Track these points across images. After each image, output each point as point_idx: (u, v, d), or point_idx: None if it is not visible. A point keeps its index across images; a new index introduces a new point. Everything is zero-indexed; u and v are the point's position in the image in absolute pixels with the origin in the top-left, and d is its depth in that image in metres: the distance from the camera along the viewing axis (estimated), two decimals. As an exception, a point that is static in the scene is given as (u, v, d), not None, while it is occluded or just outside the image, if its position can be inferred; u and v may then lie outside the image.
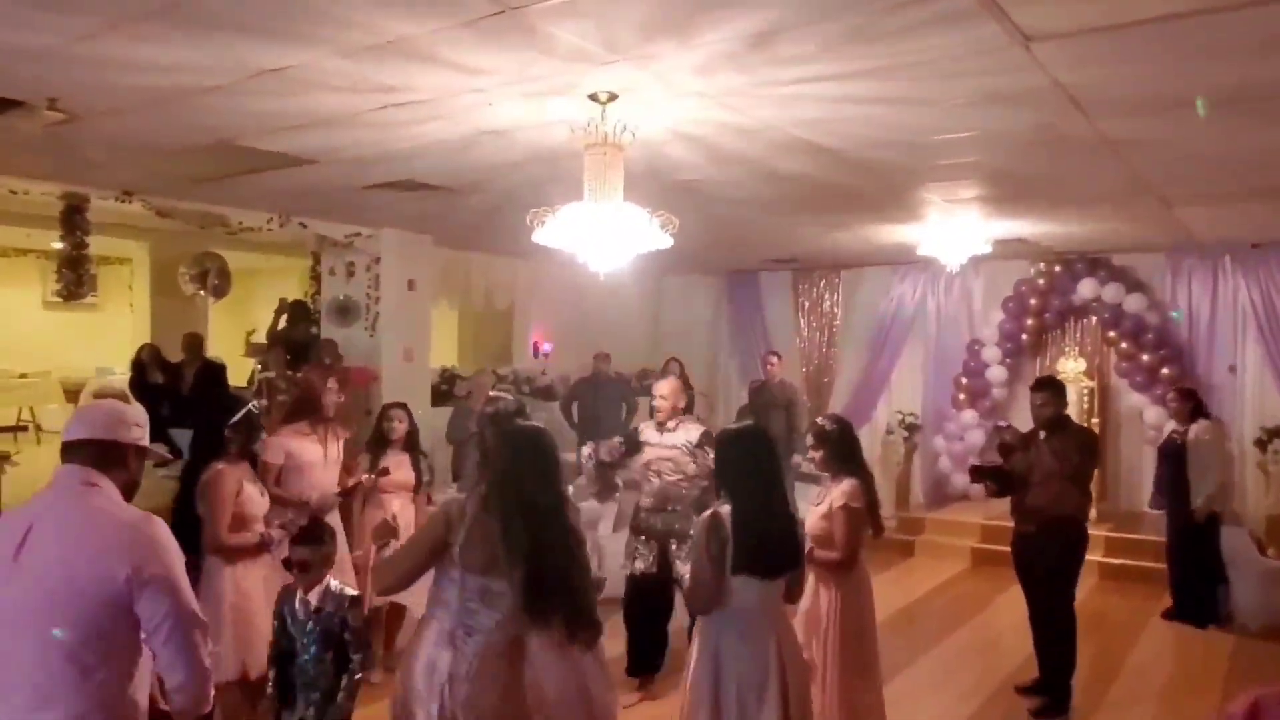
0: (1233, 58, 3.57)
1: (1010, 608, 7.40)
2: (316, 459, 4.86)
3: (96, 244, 7.41)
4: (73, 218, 6.86)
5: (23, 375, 11.42)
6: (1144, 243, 8.91)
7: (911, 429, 10.49)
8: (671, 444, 5.17)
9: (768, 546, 3.23)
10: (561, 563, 2.89)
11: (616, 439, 5.51)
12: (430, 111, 4.39)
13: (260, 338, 9.86)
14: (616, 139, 4.04)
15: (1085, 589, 6.21)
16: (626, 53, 3.53)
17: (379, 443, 5.41)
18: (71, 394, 11.59)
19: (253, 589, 3.94)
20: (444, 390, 9.17)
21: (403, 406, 5.54)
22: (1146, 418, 9.18)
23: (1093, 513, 6.68)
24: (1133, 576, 8.04)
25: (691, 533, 3.42)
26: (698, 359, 11.42)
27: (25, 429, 11.80)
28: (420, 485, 5.47)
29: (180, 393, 8.51)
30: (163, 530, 2.22)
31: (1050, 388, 5.45)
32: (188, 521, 3.88)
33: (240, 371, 9.90)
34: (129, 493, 2.33)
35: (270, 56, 3.64)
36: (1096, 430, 8.50)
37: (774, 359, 9.16)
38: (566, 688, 2.93)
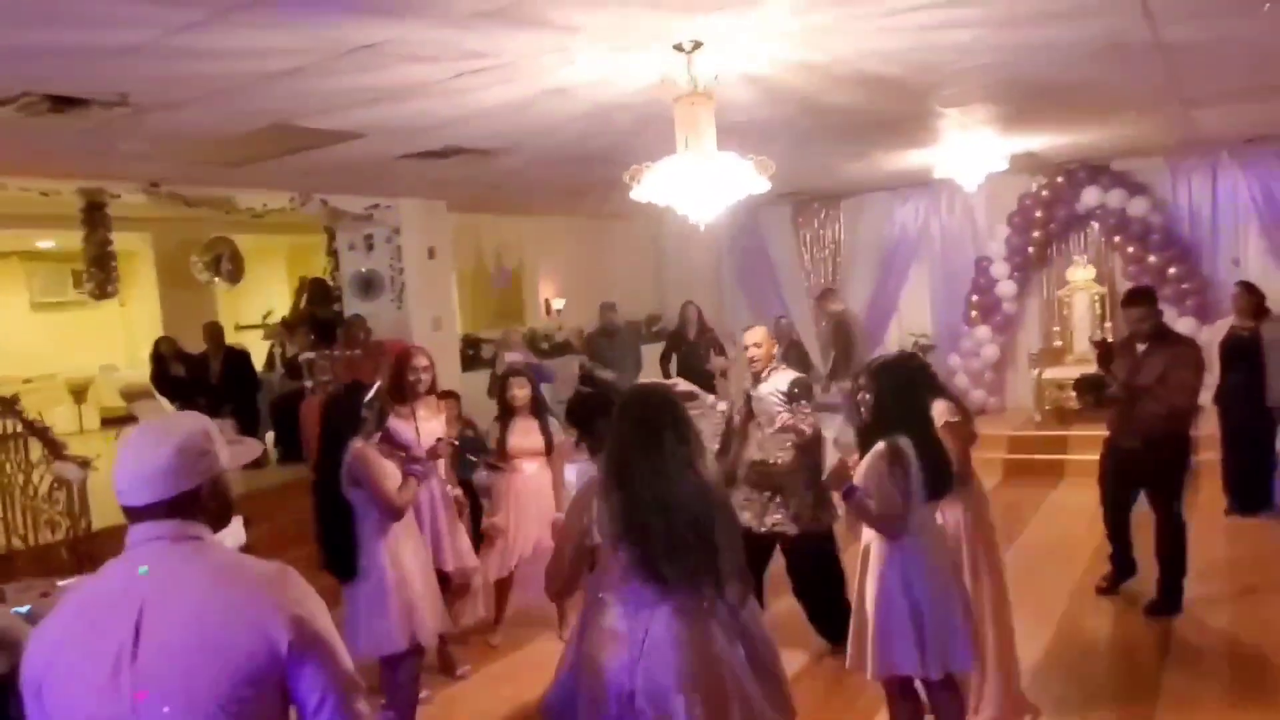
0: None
1: (1054, 516, 7.64)
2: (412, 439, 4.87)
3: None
4: (94, 215, 6.71)
5: (27, 380, 11.15)
6: (1146, 146, 9.04)
7: (925, 350, 10.65)
8: (764, 394, 4.97)
9: (946, 466, 3.35)
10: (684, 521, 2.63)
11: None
12: (501, 75, 4.32)
13: (275, 320, 9.73)
14: (705, 87, 4.03)
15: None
16: (735, -2, 3.51)
17: (505, 412, 5.44)
18: (79, 394, 11.39)
19: (407, 559, 3.97)
20: (470, 355, 9.13)
21: (522, 373, 5.56)
22: (1159, 317, 9.37)
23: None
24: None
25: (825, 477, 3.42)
26: (705, 300, 11.40)
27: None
28: (551, 448, 5.43)
29: (209, 384, 8.42)
30: (304, 581, 1.81)
31: (1146, 300, 5.23)
32: (338, 508, 3.86)
33: (255, 355, 9.76)
34: (222, 521, 1.88)
35: (367, 33, 3.56)
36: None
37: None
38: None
